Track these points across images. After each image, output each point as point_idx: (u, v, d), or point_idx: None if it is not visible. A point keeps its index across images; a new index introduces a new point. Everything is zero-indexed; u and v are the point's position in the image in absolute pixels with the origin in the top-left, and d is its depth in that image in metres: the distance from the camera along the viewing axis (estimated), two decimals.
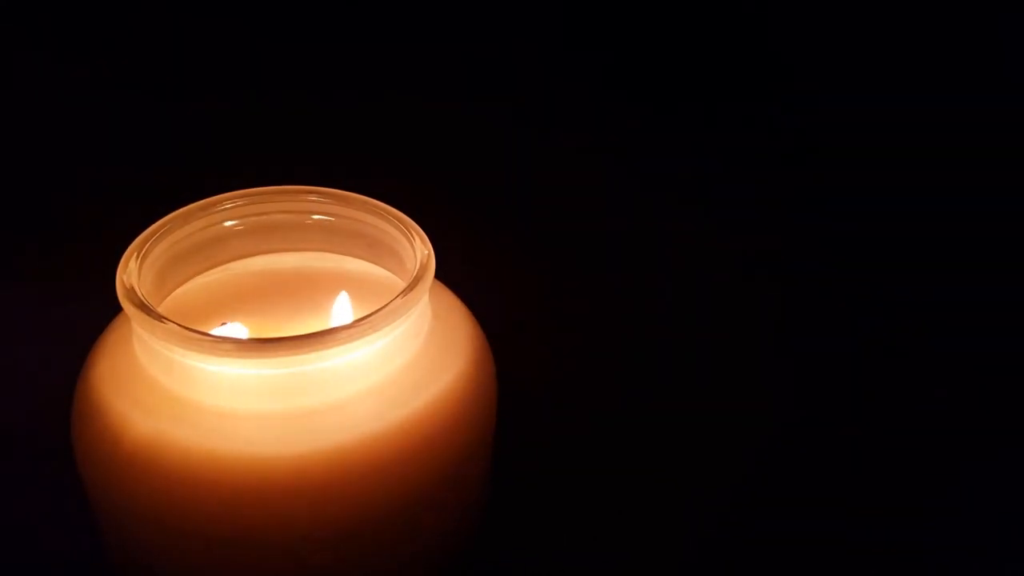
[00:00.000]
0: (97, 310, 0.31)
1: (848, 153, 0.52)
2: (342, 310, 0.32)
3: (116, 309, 0.29)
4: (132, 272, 0.28)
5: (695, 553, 0.36)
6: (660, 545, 0.36)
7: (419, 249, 0.29)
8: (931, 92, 0.51)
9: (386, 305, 0.27)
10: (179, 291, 0.32)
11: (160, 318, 0.27)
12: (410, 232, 0.30)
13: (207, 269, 0.32)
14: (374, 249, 0.32)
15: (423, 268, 0.29)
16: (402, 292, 0.28)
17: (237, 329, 0.32)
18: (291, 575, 0.28)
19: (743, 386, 0.42)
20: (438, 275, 0.30)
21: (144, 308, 0.27)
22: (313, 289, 0.34)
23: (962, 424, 0.41)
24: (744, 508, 0.37)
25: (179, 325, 0.26)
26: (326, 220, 0.32)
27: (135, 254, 0.29)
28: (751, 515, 0.37)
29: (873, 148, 0.52)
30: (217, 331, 0.32)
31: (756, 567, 0.36)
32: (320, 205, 0.32)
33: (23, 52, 0.49)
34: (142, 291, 0.28)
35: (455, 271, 0.33)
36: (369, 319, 0.27)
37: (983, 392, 0.42)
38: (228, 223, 0.32)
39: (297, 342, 0.26)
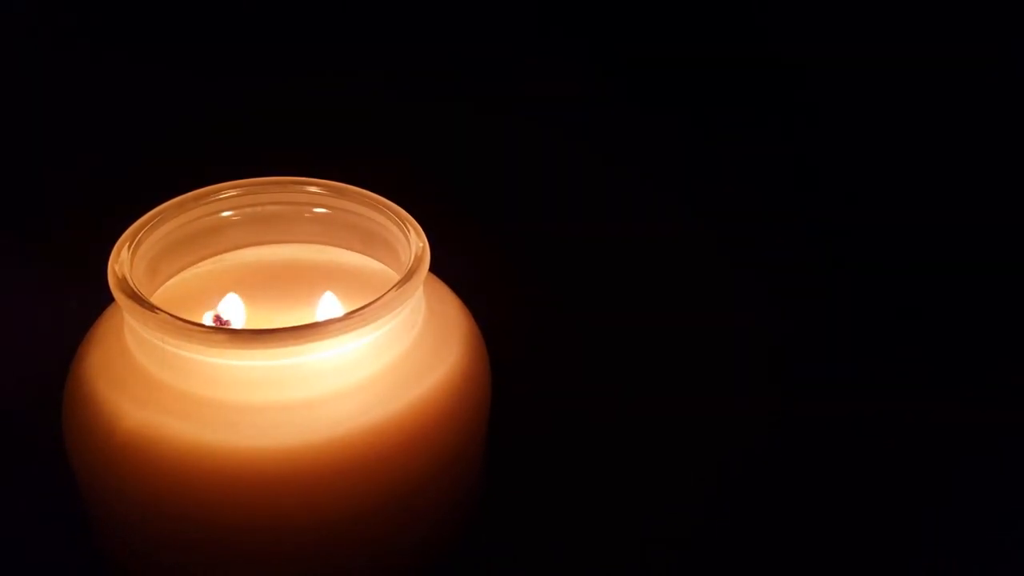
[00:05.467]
0: (89, 299, 0.31)
1: (843, 150, 0.52)
2: (328, 310, 0.32)
3: (108, 299, 0.28)
4: (124, 262, 0.28)
5: (691, 549, 0.36)
6: (655, 540, 0.36)
7: (414, 242, 0.29)
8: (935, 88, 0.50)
9: (380, 298, 0.27)
10: (172, 281, 0.32)
11: (152, 308, 0.26)
12: (405, 225, 0.30)
13: (201, 259, 0.32)
14: (369, 242, 0.32)
15: (417, 261, 0.28)
16: (396, 285, 0.28)
17: (234, 301, 0.32)
18: (282, 566, 0.28)
19: (739, 382, 0.42)
20: (433, 268, 0.30)
21: (136, 298, 0.27)
22: (307, 281, 0.33)
23: (958, 427, 0.41)
24: (741, 504, 0.37)
25: (171, 315, 0.26)
26: (321, 212, 0.32)
27: (128, 243, 0.29)
28: (747, 512, 0.37)
29: (868, 145, 0.52)
30: (216, 311, 0.32)
31: (752, 563, 0.36)
32: (315, 197, 0.32)
33: (19, 36, 0.49)
34: (134, 281, 0.27)
35: (450, 264, 0.32)
36: (363, 311, 0.27)
37: (979, 393, 0.42)
38: (222, 214, 0.32)
39: (290, 334, 0.26)
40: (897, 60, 0.50)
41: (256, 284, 0.33)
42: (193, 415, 0.27)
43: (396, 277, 0.29)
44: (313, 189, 0.32)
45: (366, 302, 0.27)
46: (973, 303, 0.46)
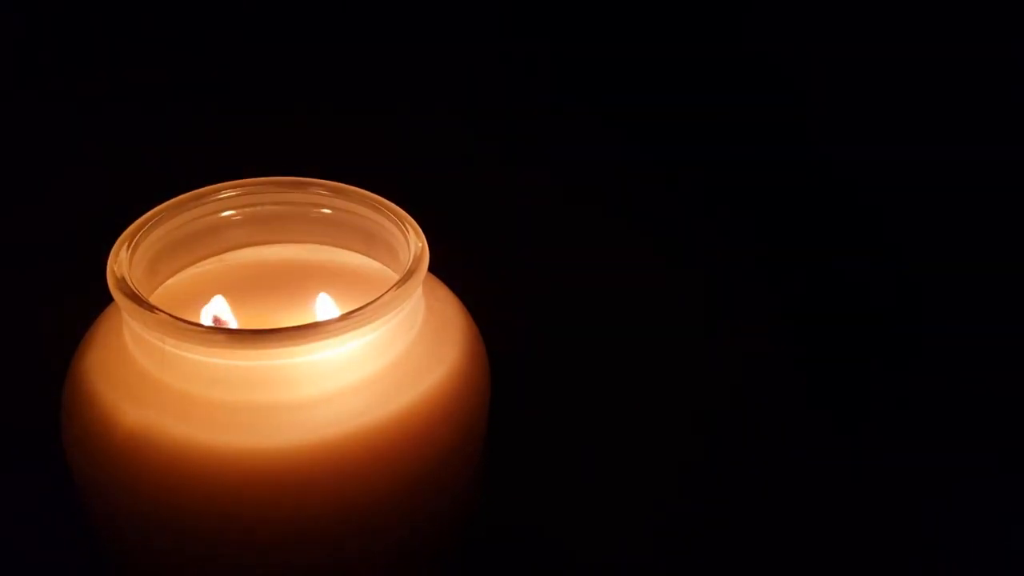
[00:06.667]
0: (88, 299, 0.31)
1: (842, 151, 0.52)
2: (324, 311, 0.32)
3: (108, 299, 0.28)
4: (123, 262, 0.28)
5: (691, 549, 0.36)
6: (654, 538, 0.36)
7: (413, 242, 0.29)
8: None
9: (379, 298, 0.27)
10: (171, 281, 0.32)
11: (151, 308, 0.26)
12: (404, 225, 0.30)
13: (200, 259, 0.32)
14: (368, 242, 0.32)
15: (417, 261, 0.28)
16: (395, 285, 0.28)
17: (221, 304, 0.32)
18: (281, 566, 0.28)
19: (740, 383, 0.42)
20: (432, 268, 0.30)
21: (135, 298, 0.27)
22: (307, 281, 0.33)
23: (959, 428, 0.41)
24: (740, 505, 0.37)
25: (170, 315, 0.26)
26: (321, 212, 0.32)
27: (126, 243, 0.29)
28: (747, 512, 0.37)
29: (867, 146, 0.52)
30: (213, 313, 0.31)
31: (752, 563, 0.36)
32: (315, 197, 0.32)
33: (18, 35, 0.49)
34: (133, 281, 0.27)
35: (449, 265, 0.32)
36: (362, 311, 0.27)
37: (973, 406, 0.42)
38: (222, 213, 0.32)
39: (289, 334, 0.26)
40: (897, 60, 0.50)
41: (255, 284, 0.33)
42: (192, 415, 0.27)
43: (396, 277, 0.29)
44: (313, 189, 0.32)
45: (366, 302, 0.27)
46: (974, 304, 0.46)
